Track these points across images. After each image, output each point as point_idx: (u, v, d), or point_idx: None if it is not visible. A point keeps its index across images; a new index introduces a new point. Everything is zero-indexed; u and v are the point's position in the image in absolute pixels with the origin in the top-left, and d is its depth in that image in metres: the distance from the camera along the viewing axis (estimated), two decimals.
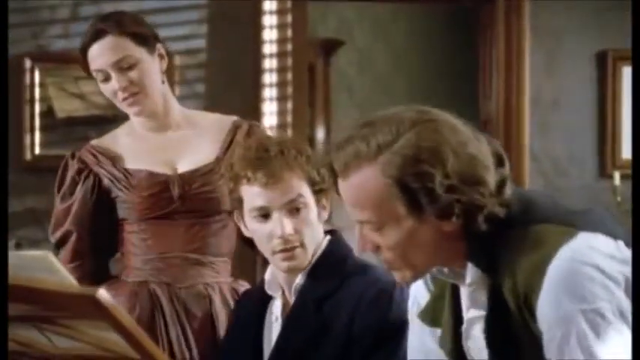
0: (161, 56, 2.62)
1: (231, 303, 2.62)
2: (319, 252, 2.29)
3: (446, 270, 1.83)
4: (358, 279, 2.24)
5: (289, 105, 4.85)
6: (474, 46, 6.11)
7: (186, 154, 2.63)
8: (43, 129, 4.68)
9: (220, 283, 2.64)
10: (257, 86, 4.78)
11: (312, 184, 2.26)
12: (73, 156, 2.68)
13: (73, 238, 2.65)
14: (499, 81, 5.51)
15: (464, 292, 1.85)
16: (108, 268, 2.73)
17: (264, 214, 2.25)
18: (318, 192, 2.27)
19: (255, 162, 2.23)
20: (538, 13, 5.49)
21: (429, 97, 8.20)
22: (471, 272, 1.77)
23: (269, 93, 4.83)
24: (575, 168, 5.59)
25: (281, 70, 4.85)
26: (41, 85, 4.67)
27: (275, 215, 2.24)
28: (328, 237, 2.33)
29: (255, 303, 2.38)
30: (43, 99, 4.68)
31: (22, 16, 4.63)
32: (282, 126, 4.79)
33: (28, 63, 4.64)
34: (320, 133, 7.60)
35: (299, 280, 2.28)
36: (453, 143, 1.70)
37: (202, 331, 2.59)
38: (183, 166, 2.62)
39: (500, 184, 1.75)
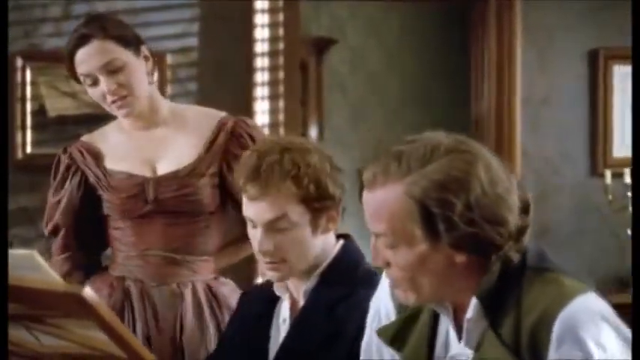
0: (146, 58, 2.65)
1: (203, 301, 2.66)
2: (331, 257, 2.28)
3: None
4: (370, 288, 2.19)
5: (281, 104, 4.85)
6: (467, 45, 6.12)
7: (168, 154, 2.67)
8: (34, 128, 4.67)
9: (195, 282, 2.67)
10: (249, 85, 4.77)
11: (307, 201, 2.20)
12: (64, 151, 2.75)
13: (62, 231, 2.73)
14: (491, 79, 5.52)
15: (445, 326, 1.85)
16: (99, 261, 2.78)
17: (253, 225, 2.25)
18: (316, 210, 2.21)
19: (249, 173, 2.21)
20: (529, 12, 5.50)
21: (422, 96, 8.27)
22: (474, 308, 1.76)
23: (261, 92, 4.83)
24: (567, 166, 5.60)
25: (273, 68, 4.84)
26: (33, 83, 4.66)
27: (258, 229, 2.23)
28: (341, 242, 2.31)
29: (261, 302, 2.36)
30: (35, 97, 4.68)
31: (13, 15, 4.62)
32: (274, 125, 4.79)
33: (19, 61, 4.64)
34: (313, 132, 7.60)
35: (310, 283, 2.27)
36: (483, 179, 1.71)
37: (167, 330, 2.63)
38: (163, 167, 2.66)
39: (521, 231, 1.76)
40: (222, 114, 2.75)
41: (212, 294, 2.68)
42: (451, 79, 7.66)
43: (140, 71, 2.61)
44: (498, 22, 5.48)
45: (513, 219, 1.73)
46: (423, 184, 1.70)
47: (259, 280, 4.67)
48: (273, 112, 4.82)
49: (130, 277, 2.66)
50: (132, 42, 2.61)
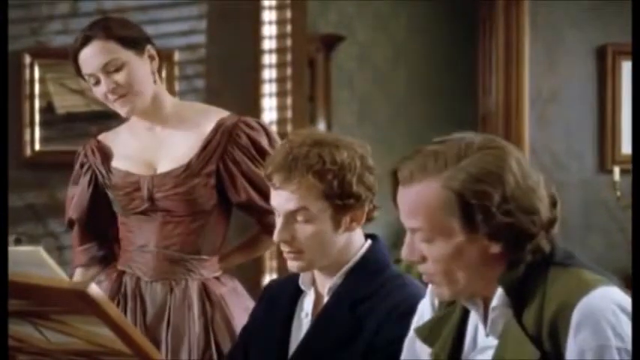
0: (151, 57, 2.67)
1: (195, 300, 2.68)
2: (358, 256, 2.27)
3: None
4: (395, 289, 2.22)
5: (289, 100, 4.85)
6: (475, 41, 6.11)
7: (168, 153, 2.70)
8: (42, 125, 4.68)
9: (189, 280, 2.70)
10: (256, 82, 4.78)
11: (329, 197, 2.19)
12: (83, 148, 2.84)
13: (76, 225, 2.83)
14: (498, 76, 5.51)
15: (474, 323, 1.91)
16: (115, 253, 2.84)
17: (277, 214, 2.26)
18: (338, 207, 2.20)
19: (276, 162, 2.22)
20: (537, 8, 5.49)
21: (430, 92, 8.27)
22: (499, 296, 1.80)
23: (268, 89, 4.83)
24: (575, 163, 5.59)
25: (280, 65, 4.84)
26: (41, 80, 4.67)
27: (279, 218, 2.25)
28: (369, 242, 2.31)
29: (285, 294, 2.37)
30: (43, 95, 4.68)
31: (21, 12, 4.63)
32: (281, 121, 4.80)
33: (27, 59, 4.64)
34: (321, 127, 7.60)
35: (335, 279, 2.27)
36: (516, 172, 1.78)
37: (154, 326, 2.67)
38: (162, 167, 2.70)
39: (551, 222, 1.82)
40: (225, 113, 2.76)
41: (206, 293, 2.70)
42: (459, 76, 7.65)
43: (142, 70, 2.64)
44: (506, 19, 5.48)
45: (544, 209, 1.80)
46: (461, 178, 1.76)
47: (266, 279, 4.69)
48: (281, 108, 4.82)
49: (129, 272, 2.73)
50: (134, 42, 2.65)
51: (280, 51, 4.85)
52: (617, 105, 5.57)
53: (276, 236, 2.25)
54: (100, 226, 2.82)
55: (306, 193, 2.19)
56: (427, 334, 1.96)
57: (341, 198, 2.20)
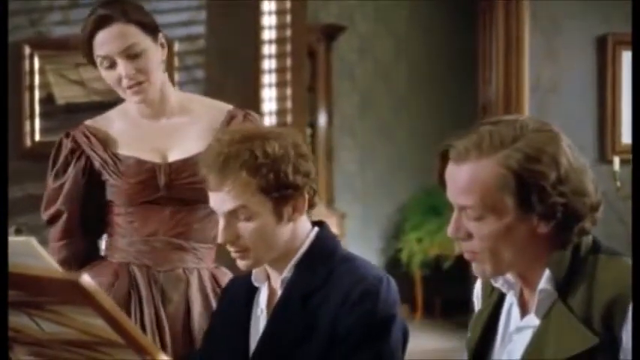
0: (162, 45, 2.62)
1: (209, 289, 2.66)
2: (305, 246, 2.25)
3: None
4: (344, 275, 2.20)
5: (288, 91, 4.85)
6: (475, 32, 6.11)
7: (178, 142, 2.65)
8: (43, 116, 4.69)
9: (200, 269, 2.67)
10: (256, 72, 4.78)
11: (267, 191, 2.17)
12: (67, 135, 2.71)
13: (64, 217, 2.69)
14: (498, 66, 5.51)
15: (507, 306, 1.97)
16: (97, 247, 2.76)
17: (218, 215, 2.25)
18: (277, 199, 2.18)
19: (208, 164, 2.19)
20: None
21: (430, 83, 8.26)
22: (547, 279, 1.84)
23: (268, 79, 4.84)
24: None
25: (280, 56, 4.85)
26: (41, 71, 4.67)
27: (220, 219, 2.23)
28: (315, 229, 2.29)
29: (242, 292, 2.35)
30: (43, 86, 4.69)
31: (21, 3, 4.63)
32: (281, 112, 4.80)
33: (27, 50, 4.65)
34: (322, 119, 7.61)
35: (286, 273, 2.25)
36: (569, 154, 1.83)
37: (176, 314, 2.63)
38: (174, 155, 2.64)
39: (596, 205, 1.87)
40: (229, 107, 2.74)
41: (216, 282, 2.68)
42: (459, 67, 7.65)
43: (157, 58, 2.59)
44: (506, 10, 5.47)
45: (592, 192, 1.85)
46: (518, 157, 1.79)
47: None
48: (281, 99, 4.83)
49: (135, 263, 2.64)
50: (151, 28, 2.59)
51: (280, 41, 4.85)
52: (617, 95, 5.56)
53: (219, 238, 2.22)
54: (88, 217, 2.69)
55: (243, 191, 2.16)
56: (472, 323, 2.04)
57: (278, 190, 2.17)
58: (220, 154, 2.17)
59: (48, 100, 4.70)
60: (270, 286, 2.31)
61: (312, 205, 2.27)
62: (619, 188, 5.37)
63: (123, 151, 2.65)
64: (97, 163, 2.66)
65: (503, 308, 1.99)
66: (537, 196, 1.79)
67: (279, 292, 2.27)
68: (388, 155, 7.97)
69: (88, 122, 2.73)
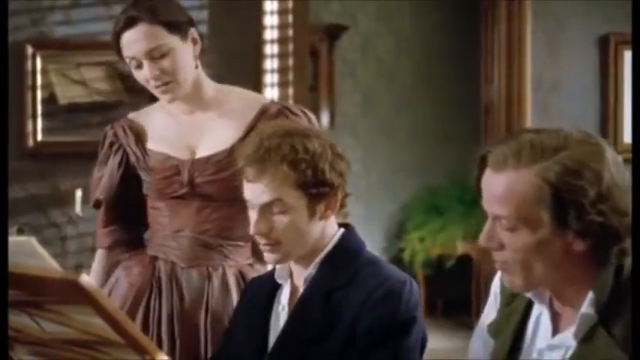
0: (194, 41, 2.60)
1: (233, 287, 2.65)
2: (331, 245, 2.28)
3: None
4: (369, 275, 2.22)
5: (290, 91, 4.85)
6: (477, 31, 6.11)
7: (208, 138, 2.65)
8: (45, 115, 4.69)
9: (226, 266, 2.66)
10: (258, 72, 4.78)
11: (303, 186, 2.21)
12: (111, 127, 2.76)
13: (103, 206, 2.75)
14: (500, 65, 5.51)
15: (535, 316, 1.90)
16: (141, 238, 2.79)
17: (252, 206, 2.27)
18: (312, 195, 2.22)
19: (248, 155, 2.22)
20: None
21: (432, 82, 8.24)
22: (589, 302, 1.77)
23: (270, 79, 4.84)
24: None
25: (282, 55, 4.85)
26: (43, 71, 4.68)
27: (255, 210, 2.25)
28: (342, 230, 2.32)
29: (264, 289, 2.37)
30: (45, 86, 4.69)
31: (23, 3, 4.64)
32: None
33: (29, 49, 4.65)
34: (324, 118, 7.61)
35: (310, 270, 2.27)
36: (613, 170, 1.73)
37: (193, 313, 2.62)
38: (202, 151, 2.64)
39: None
40: (266, 99, 2.74)
41: (243, 280, 2.66)
42: (461, 65, 7.65)
43: (186, 56, 2.57)
44: (508, 8, 5.48)
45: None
46: (558, 170, 1.72)
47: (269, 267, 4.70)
48: (282, 99, 4.82)
49: (162, 258, 2.67)
50: (180, 26, 2.57)
51: (282, 41, 4.86)
52: (619, 95, 5.57)
53: (252, 229, 2.25)
54: (127, 209, 2.73)
55: (281, 184, 2.20)
56: (496, 331, 1.96)
57: (315, 186, 2.21)
58: (261, 146, 2.20)
59: (50, 100, 4.70)
60: (292, 283, 2.33)
61: (342, 206, 2.30)
62: None
63: (154, 146, 2.68)
64: (131, 158, 2.70)
65: (531, 316, 1.91)
66: (574, 213, 1.72)
67: (301, 290, 2.29)
68: (390, 154, 7.97)
69: (130, 115, 2.77)
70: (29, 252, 1.40)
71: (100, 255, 2.80)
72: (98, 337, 1.50)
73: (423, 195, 7.79)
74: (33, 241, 1.41)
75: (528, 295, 1.88)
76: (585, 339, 1.77)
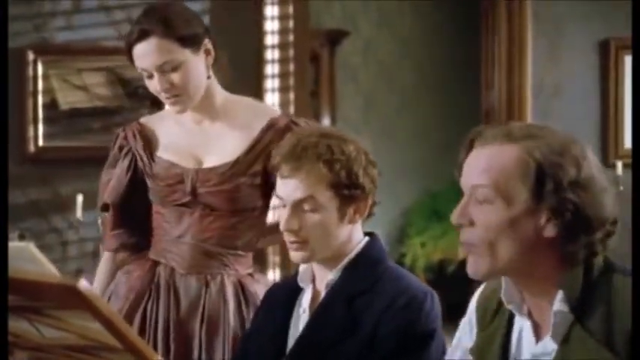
0: (207, 52, 2.59)
1: (230, 296, 2.65)
2: (355, 251, 2.30)
3: (513, 298, 1.87)
4: (391, 284, 2.24)
5: (291, 96, 4.86)
6: (478, 35, 6.11)
7: (214, 148, 2.65)
8: (46, 121, 4.71)
9: (224, 275, 2.67)
10: (259, 77, 4.79)
11: (336, 187, 2.23)
12: (123, 130, 2.76)
13: (111, 209, 2.75)
14: (501, 69, 5.51)
15: (518, 329, 1.89)
16: (149, 241, 2.77)
17: (282, 204, 2.28)
18: (344, 197, 2.24)
19: (285, 152, 2.25)
20: (540, 1, 5.49)
21: (433, 86, 8.24)
22: (560, 300, 1.78)
23: (271, 84, 4.85)
24: None
25: (283, 60, 4.86)
26: (44, 77, 4.69)
27: (286, 207, 2.27)
28: (367, 238, 2.33)
29: (285, 293, 2.39)
30: (47, 91, 4.71)
31: (24, 8, 4.65)
32: None
33: (31, 55, 4.67)
34: (325, 123, 7.61)
35: (332, 275, 2.29)
36: (593, 165, 1.80)
37: (189, 320, 2.63)
38: (207, 162, 2.65)
39: (609, 226, 1.80)
40: (276, 113, 2.73)
41: (242, 290, 2.67)
42: (462, 69, 7.65)
43: (198, 68, 2.56)
44: (509, 12, 5.48)
45: (608, 214, 1.79)
46: (542, 147, 1.77)
47: (269, 274, 4.70)
48: (284, 104, 4.84)
49: (163, 263, 2.68)
50: (193, 39, 2.55)
51: (283, 46, 4.86)
52: (619, 99, 5.56)
53: (283, 225, 2.27)
54: (134, 213, 2.73)
55: (315, 182, 2.23)
56: (479, 354, 1.95)
57: (348, 188, 2.24)
58: (299, 144, 2.24)
59: (51, 105, 4.72)
60: (314, 287, 2.35)
61: (370, 214, 2.33)
62: (622, 193, 5.36)
63: (161, 152, 2.69)
64: (140, 162, 2.71)
65: (513, 332, 1.90)
66: (552, 187, 1.75)
67: (323, 294, 2.31)
68: (392, 159, 7.97)
69: (142, 119, 2.78)
70: (28, 257, 1.40)
71: (106, 257, 2.80)
72: (96, 341, 1.50)
73: (424, 200, 7.79)
74: (31, 246, 1.41)
75: (509, 307, 1.87)
76: (565, 340, 1.77)
